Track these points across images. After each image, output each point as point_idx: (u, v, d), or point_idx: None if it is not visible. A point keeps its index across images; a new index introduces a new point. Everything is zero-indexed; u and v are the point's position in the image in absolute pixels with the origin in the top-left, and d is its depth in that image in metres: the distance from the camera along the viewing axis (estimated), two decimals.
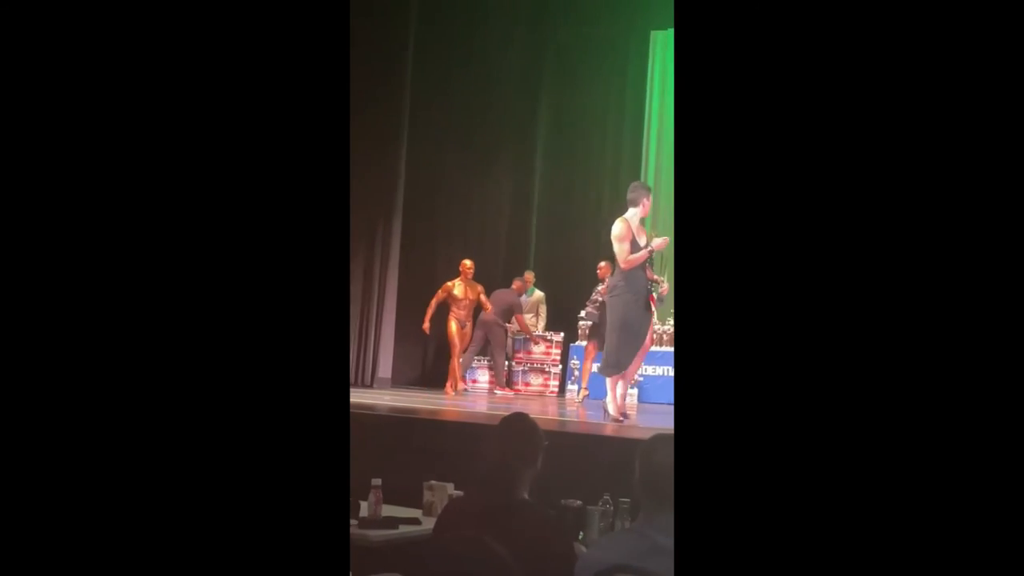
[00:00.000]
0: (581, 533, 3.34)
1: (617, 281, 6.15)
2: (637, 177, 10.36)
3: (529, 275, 9.95)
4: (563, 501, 3.49)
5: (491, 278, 9.76)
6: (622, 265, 6.04)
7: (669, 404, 8.36)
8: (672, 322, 8.93)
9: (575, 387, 8.78)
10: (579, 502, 3.48)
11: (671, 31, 10.14)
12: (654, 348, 8.72)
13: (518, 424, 2.80)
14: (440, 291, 8.76)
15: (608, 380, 6.19)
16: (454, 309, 8.73)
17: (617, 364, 6.13)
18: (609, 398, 6.16)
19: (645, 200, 6.19)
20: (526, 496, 2.71)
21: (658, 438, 2.38)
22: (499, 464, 2.65)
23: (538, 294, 9.91)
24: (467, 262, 8.87)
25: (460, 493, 3.54)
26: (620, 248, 6.01)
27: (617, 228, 6.05)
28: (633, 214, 6.12)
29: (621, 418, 6.05)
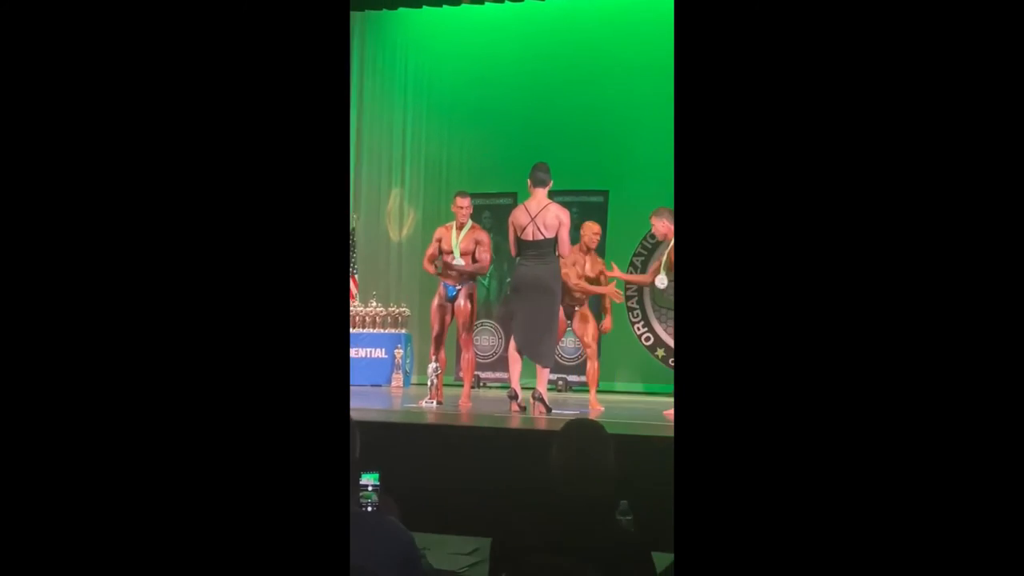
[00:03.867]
0: None
1: (555, 267, 5.93)
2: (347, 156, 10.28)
3: None
4: None
5: None
6: (566, 251, 5.95)
7: (369, 385, 8.41)
8: (376, 304, 9.00)
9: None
10: None
11: (370, 12, 10.09)
12: (356, 331, 8.76)
13: None
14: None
15: (542, 371, 5.98)
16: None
17: (550, 355, 6.03)
18: (543, 389, 5.92)
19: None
20: None
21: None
22: None
23: None
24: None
25: None
26: (567, 234, 5.89)
27: (567, 216, 5.92)
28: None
29: (551, 409, 5.89)
